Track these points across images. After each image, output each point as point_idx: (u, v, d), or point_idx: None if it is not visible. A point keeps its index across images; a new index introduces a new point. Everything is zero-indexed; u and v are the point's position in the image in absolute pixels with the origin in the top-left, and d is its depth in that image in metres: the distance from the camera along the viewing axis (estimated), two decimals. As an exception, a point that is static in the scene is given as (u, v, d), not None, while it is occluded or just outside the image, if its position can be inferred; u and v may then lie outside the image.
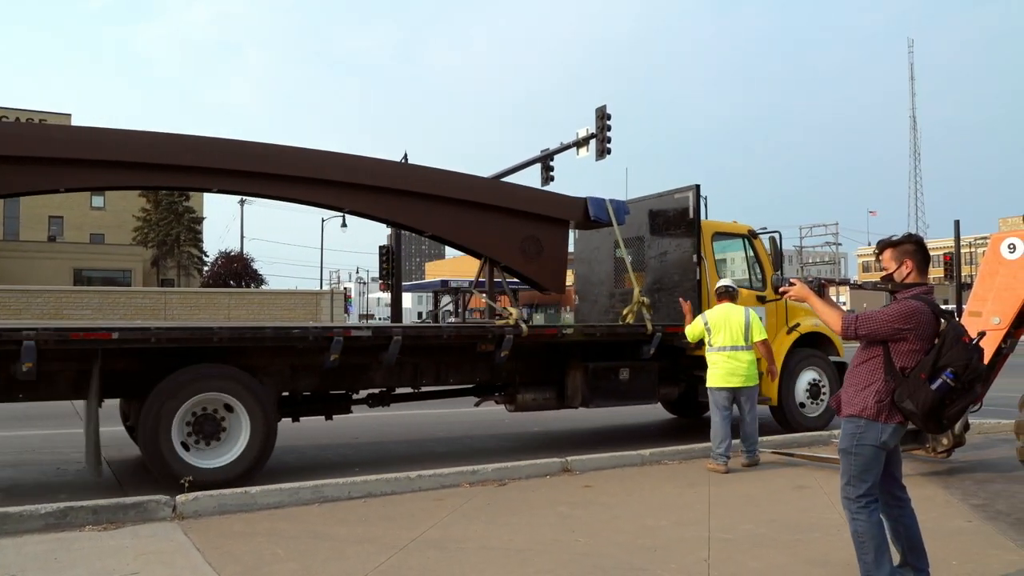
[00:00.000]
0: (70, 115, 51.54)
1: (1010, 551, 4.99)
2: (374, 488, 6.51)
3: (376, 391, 8.65)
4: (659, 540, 5.25)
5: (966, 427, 7.62)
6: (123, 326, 7.08)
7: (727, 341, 7.72)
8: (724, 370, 7.71)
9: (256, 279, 55.95)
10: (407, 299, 60.30)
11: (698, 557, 4.88)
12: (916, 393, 3.67)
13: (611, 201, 9.53)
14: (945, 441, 7.36)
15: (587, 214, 9.32)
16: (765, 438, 8.47)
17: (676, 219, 10.07)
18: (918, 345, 3.75)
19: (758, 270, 10.39)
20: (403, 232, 30.68)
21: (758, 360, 7.95)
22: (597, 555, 4.94)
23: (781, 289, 4.29)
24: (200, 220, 56.98)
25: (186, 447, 6.90)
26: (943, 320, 3.81)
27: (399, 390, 8.81)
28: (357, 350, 7.71)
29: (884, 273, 4.04)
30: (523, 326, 8.29)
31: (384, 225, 9.12)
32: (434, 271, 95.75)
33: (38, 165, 7.16)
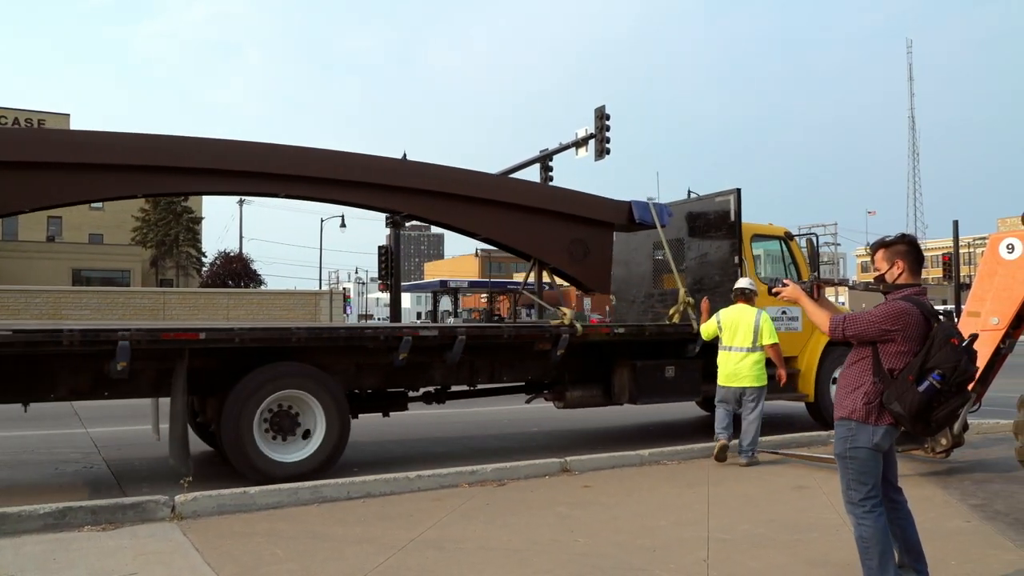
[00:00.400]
0: (68, 115, 51.47)
1: (1009, 551, 4.99)
2: (373, 488, 6.51)
3: (432, 389, 8.90)
4: (658, 540, 5.25)
5: (965, 427, 7.61)
6: (209, 327, 7.34)
7: (734, 342, 7.93)
8: (728, 370, 7.95)
9: (255, 279, 55.93)
10: (406, 299, 60.35)
11: (697, 557, 4.88)
12: (904, 395, 3.62)
13: (654, 204, 9.83)
14: (944, 441, 7.36)
15: (632, 217, 9.61)
16: (764, 438, 8.47)
17: (717, 222, 10.28)
18: (906, 347, 3.71)
19: (794, 271, 10.66)
20: (401, 232, 30.72)
21: (768, 361, 8.05)
22: (596, 555, 4.93)
23: (774, 290, 4.30)
24: (199, 220, 56.95)
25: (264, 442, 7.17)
26: (934, 321, 3.77)
27: (454, 388, 9.07)
28: (421, 349, 7.92)
29: (877, 274, 4.03)
30: (578, 326, 8.58)
31: (437, 228, 9.51)
32: (433, 271, 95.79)
33: (116, 171, 7.42)
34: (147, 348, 6.60)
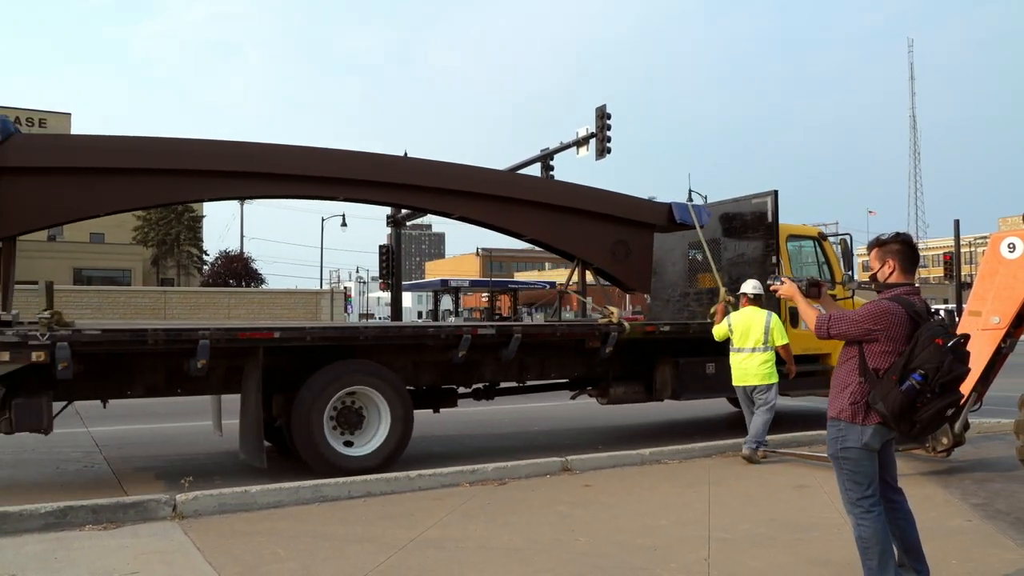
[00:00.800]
0: (69, 115, 51.38)
1: (1010, 550, 4.99)
2: (374, 487, 6.52)
3: (482, 385, 9.12)
4: (659, 539, 5.25)
5: (966, 426, 7.61)
6: (283, 326, 7.58)
7: (743, 343, 8.13)
8: (738, 370, 8.17)
9: (256, 278, 55.95)
10: (407, 298, 60.26)
11: (698, 556, 4.88)
12: (887, 395, 3.61)
13: (693, 206, 10.05)
14: (945, 440, 7.36)
15: (672, 218, 9.80)
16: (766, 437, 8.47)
17: (754, 223, 10.42)
18: (890, 346, 3.69)
19: (827, 271, 10.83)
20: (402, 231, 30.68)
21: (780, 360, 8.20)
22: (597, 554, 4.94)
23: (771, 287, 4.33)
24: (200, 219, 56.93)
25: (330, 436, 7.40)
26: (922, 321, 3.72)
27: (503, 384, 9.29)
28: (478, 347, 8.12)
29: (870, 272, 4.02)
30: (626, 324, 8.83)
31: (485, 229, 9.78)
32: (434, 271, 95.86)
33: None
34: (224, 347, 6.83)
